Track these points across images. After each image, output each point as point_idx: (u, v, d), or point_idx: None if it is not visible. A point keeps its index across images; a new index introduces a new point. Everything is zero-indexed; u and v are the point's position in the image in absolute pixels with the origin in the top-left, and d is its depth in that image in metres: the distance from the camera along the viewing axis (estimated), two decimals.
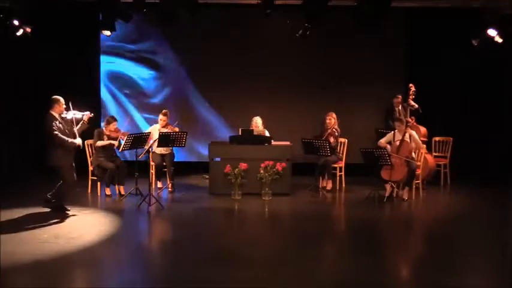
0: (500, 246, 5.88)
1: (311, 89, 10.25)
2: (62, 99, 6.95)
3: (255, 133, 8.73)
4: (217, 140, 9.46)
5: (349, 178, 9.14)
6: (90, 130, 7.71)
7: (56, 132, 6.75)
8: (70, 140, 6.88)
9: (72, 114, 7.09)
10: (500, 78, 9.68)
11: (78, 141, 6.99)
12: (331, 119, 8.83)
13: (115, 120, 8.29)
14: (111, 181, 8.13)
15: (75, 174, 7.09)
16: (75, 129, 7.04)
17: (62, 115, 6.97)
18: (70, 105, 7.08)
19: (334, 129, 8.73)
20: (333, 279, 4.99)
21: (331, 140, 8.61)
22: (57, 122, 6.82)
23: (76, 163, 7.22)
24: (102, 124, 8.90)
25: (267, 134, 8.91)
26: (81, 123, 7.14)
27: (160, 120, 8.64)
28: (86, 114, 7.22)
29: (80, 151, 7.33)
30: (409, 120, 8.79)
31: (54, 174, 6.99)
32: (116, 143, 8.11)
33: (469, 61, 9.66)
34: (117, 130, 8.22)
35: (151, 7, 8.20)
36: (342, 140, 9.03)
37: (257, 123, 9.05)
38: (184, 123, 8.98)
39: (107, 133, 8.16)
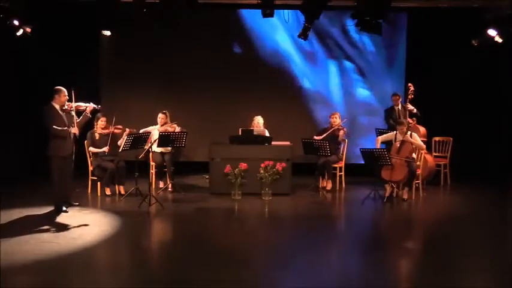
0: (500, 246, 5.89)
1: (311, 89, 10.24)
2: (64, 90, 6.97)
3: (255, 133, 8.72)
4: (217, 140, 9.44)
5: (349, 178, 9.14)
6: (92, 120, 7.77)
7: (49, 123, 6.76)
8: (63, 128, 6.85)
9: (76, 105, 7.07)
10: (500, 78, 9.68)
11: (73, 129, 6.95)
12: (336, 118, 8.88)
13: (103, 116, 8.20)
14: (111, 181, 8.13)
15: (72, 165, 7.12)
16: (76, 120, 7.04)
17: (64, 106, 6.97)
18: (73, 95, 7.06)
19: (341, 126, 8.78)
20: (333, 279, 4.99)
21: (341, 133, 8.65)
22: (54, 113, 6.84)
23: (76, 162, 7.27)
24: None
25: (267, 134, 8.91)
26: (83, 114, 7.15)
27: (160, 118, 8.68)
28: (89, 106, 7.25)
29: (80, 154, 7.35)
30: (410, 121, 8.78)
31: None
32: (106, 149, 8.03)
33: (469, 61, 9.65)
34: (107, 126, 8.17)
35: (151, 7, 8.18)
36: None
37: (258, 122, 9.04)
38: (184, 123, 8.96)
39: (98, 132, 8.13)
